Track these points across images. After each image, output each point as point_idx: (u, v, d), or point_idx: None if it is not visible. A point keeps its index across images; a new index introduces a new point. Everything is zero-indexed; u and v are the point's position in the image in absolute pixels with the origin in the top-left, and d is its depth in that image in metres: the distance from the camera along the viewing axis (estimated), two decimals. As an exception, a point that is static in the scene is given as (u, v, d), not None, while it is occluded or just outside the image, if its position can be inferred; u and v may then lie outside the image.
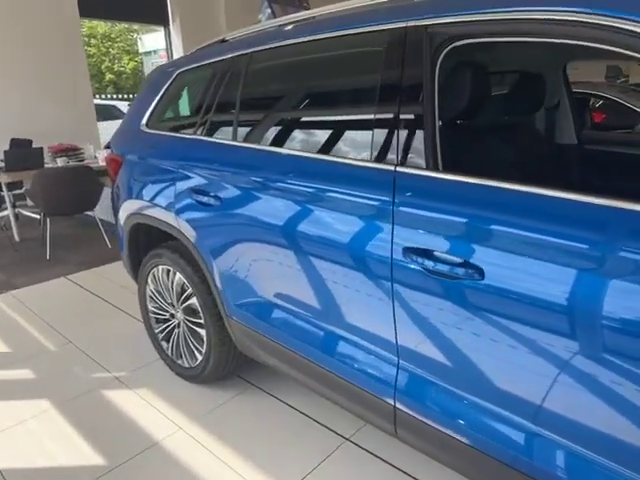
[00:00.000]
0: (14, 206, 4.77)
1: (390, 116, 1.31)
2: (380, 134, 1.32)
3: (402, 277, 1.23)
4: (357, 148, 1.44)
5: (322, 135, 1.63)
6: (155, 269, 2.21)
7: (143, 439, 1.88)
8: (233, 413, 2.02)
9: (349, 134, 1.55)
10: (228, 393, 2.14)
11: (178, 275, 2.08)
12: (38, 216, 4.83)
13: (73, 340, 2.68)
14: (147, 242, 2.36)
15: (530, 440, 1.11)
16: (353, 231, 1.33)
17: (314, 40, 1.58)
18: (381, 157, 1.31)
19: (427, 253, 1.17)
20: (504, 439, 1.14)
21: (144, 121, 2.30)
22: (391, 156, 1.28)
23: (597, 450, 1.01)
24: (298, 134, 1.71)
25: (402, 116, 1.28)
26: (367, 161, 1.35)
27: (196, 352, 2.12)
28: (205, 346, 2.05)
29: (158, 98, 2.28)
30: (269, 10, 2.33)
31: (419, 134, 1.24)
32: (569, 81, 2.17)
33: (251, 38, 1.90)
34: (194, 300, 2.04)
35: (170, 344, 2.27)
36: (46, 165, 4.78)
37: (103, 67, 20.32)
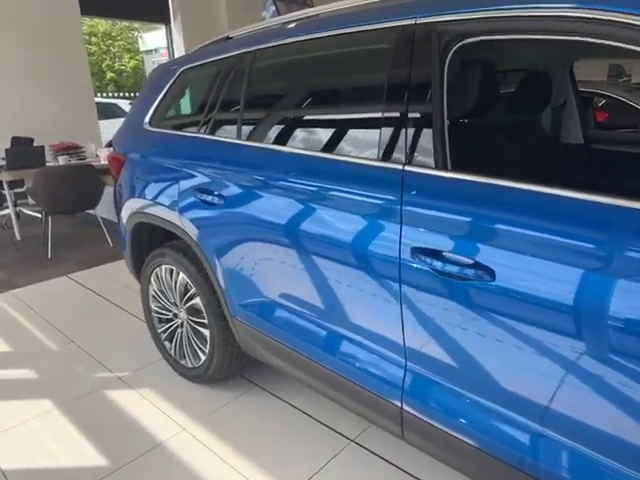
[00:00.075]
0: (15, 205, 4.76)
1: (398, 115, 1.30)
2: (388, 133, 1.31)
3: (410, 278, 1.21)
4: (364, 147, 1.42)
5: (327, 134, 1.62)
6: (158, 268, 2.20)
7: (146, 440, 1.87)
8: (237, 414, 2.01)
9: (356, 133, 1.53)
10: (231, 393, 2.13)
11: (181, 275, 2.07)
12: (39, 215, 4.82)
13: (75, 340, 2.67)
14: (150, 241, 2.35)
15: (538, 442, 1.10)
16: (360, 231, 1.32)
17: (319, 38, 1.56)
18: (389, 156, 1.29)
19: (436, 253, 1.15)
20: (512, 441, 1.13)
21: (147, 119, 2.29)
22: (399, 155, 1.27)
23: (605, 452, 1.00)
24: (303, 133, 1.70)
25: (410, 115, 1.26)
26: (374, 160, 1.33)
27: (199, 352, 2.11)
28: (208, 346, 2.04)
29: (161, 96, 2.27)
30: (273, 7, 2.31)
31: (428, 133, 1.22)
32: (575, 80, 2.15)
33: (255, 36, 1.88)
34: (197, 300, 2.03)
35: (173, 344, 2.26)
36: (47, 163, 4.77)
37: (104, 65, 20.30)
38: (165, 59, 10.59)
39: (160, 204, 2.05)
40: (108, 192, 4.24)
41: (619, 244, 0.91)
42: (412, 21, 1.27)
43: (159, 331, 2.33)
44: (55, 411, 2.07)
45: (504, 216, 1.07)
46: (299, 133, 1.70)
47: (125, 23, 18.96)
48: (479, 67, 1.32)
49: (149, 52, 21.18)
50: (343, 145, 1.51)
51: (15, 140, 5.53)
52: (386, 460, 1.71)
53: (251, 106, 1.85)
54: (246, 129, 1.80)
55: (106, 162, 4.50)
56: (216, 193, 1.76)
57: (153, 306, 2.32)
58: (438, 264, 1.15)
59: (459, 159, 1.20)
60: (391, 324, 1.31)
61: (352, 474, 1.67)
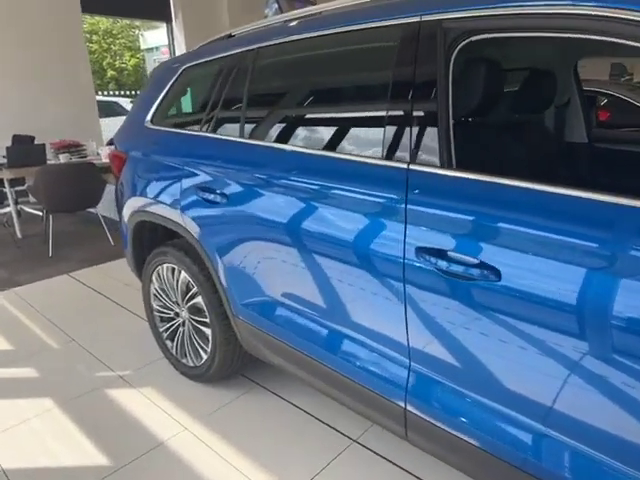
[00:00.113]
0: (16, 203, 4.75)
1: (403, 113, 1.29)
2: (392, 131, 1.30)
3: (414, 278, 1.21)
4: (368, 145, 1.41)
5: (331, 132, 1.60)
6: (160, 267, 2.19)
7: (148, 439, 1.86)
8: (238, 413, 2.00)
9: (360, 131, 1.52)
10: (233, 392, 2.12)
11: (183, 273, 2.06)
12: (40, 213, 4.81)
13: (76, 338, 2.66)
14: (151, 240, 2.34)
15: (544, 443, 1.09)
16: (364, 230, 1.31)
17: (323, 35, 1.55)
18: (393, 154, 1.28)
19: (441, 253, 1.14)
20: (516, 442, 1.12)
21: (149, 117, 2.28)
22: (403, 153, 1.26)
23: (611, 453, 0.99)
24: (306, 131, 1.69)
25: (415, 113, 1.25)
26: (378, 159, 1.32)
27: (201, 351, 2.10)
28: (210, 345, 2.03)
29: (163, 94, 2.26)
30: (276, 5, 2.30)
31: (433, 131, 1.21)
32: (580, 79, 2.14)
33: (258, 33, 1.87)
34: (199, 299, 2.02)
35: (175, 343, 2.25)
36: (48, 161, 4.76)
37: (105, 63, 20.27)
38: (166, 57, 10.57)
39: (162, 202, 2.04)
40: (109, 190, 4.23)
41: (628, 243, 0.90)
42: (417, 18, 1.26)
43: (160, 330, 2.32)
44: (56, 410, 2.06)
45: (510, 215, 1.06)
46: (303, 131, 1.69)
47: (126, 21, 18.92)
48: (485, 65, 1.31)
49: (150, 50, 21.15)
50: (347, 143, 1.50)
51: (16, 138, 5.52)
52: (389, 460, 1.71)
53: (254, 104, 1.83)
54: (249, 127, 1.79)
55: (107, 160, 4.48)
56: (218, 192, 1.75)
57: (155, 305, 2.31)
58: (443, 264, 1.14)
59: (464, 158, 1.19)
60: (395, 324, 1.30)
61: (354, 474, 1.66)
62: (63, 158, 4.90)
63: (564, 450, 1.06)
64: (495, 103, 1.38)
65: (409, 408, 1.31)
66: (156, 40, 19.03)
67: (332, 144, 1.53)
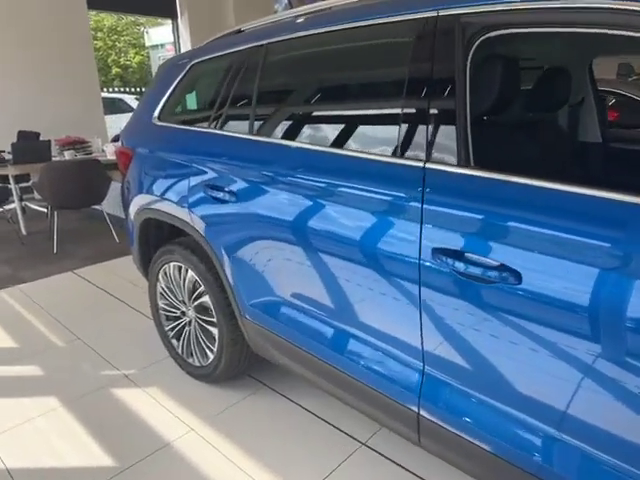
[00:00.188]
0: (21, 199, 4.75)
1: (419, 111, 1.25)
2: (408, 129, 1.26)
3: (430, 279, 1.17)
4: (382, 143, 1.38)
5: (345, 130, 1.57)
6: (166, 266, 2.16)
7: (154, 440, 1.83)
8: (245, 414, 1.97)
9: (373, 129, 1.49)
10: (240, 393, 2.10)
11: (190, 272, 2.04)
12: (45, 209, 4.81)
13: (81, 336, 2.64)
14: (158, 238, 2.31)
15: (560, 450, 1.06)
16: (379, 230, 1.28)
17: (335, 31, 1.52)
18: (409, 153, 1.25)
19: (458, 254, 1.11)
20: (531, 448, 1.09)
21: (156, 114, 2.25)
22: (419, 152, 1.22)
23: (628, 460, 0.96)
24: (317, 129, 1.66)
25: (432, 110, 1.22)
26: (394, 157, 1.29)
27: (207, 351, 2.08)
28: (217, 345, 2.00)
29: (170, 90, 2.23)
30: (286, 0, 2.26)
31: (450, 129, 1.18)
32: (594, 78, 2.10)
33: (268, 29, 1.84)
34: (206, 298, 1.99)
35: (181, 342, 2.23)
36: (53, 158, 4.75)
37: (109, 60, 20.28)
38: (171, 54, 10.56)
39: (169, 200, 2.02)
40: (114, 187, 4.21)
41: None
42: (434, 13, 1.23)
43: (166, 329, 2.30)
44: (61, 409, 2.04)
45: (531, 216, 1.02)
46: (314, 129, 1.66)
47: (131, 18, 18.94)
48: (503, 62, 1.27)
49: (155, 47, 21.14)
50: (360, 141, 1.47)
51: (21, 134, 5.52)
52: (398, 464, 1.68)
53: (265, 100, 1.80)
54: (259, 124, 1.76)
55: (112, 157, 4.47)
56: (227, 189, 1.72)
57: (161, 303, 2.29)
58: (460, 265, 1.10)
59: (481, 156, 1.16)
60: (409, 326, 1.26)
61: (363, 477, 1.63)
62: (68, 155, 4.89)
63: (582, 457, 1.03)
64: (512, 101, 1.35)
65: (422, 413, 1.28)
66: (161, 37, 19.03)
67: (344, 142, 1.50)
